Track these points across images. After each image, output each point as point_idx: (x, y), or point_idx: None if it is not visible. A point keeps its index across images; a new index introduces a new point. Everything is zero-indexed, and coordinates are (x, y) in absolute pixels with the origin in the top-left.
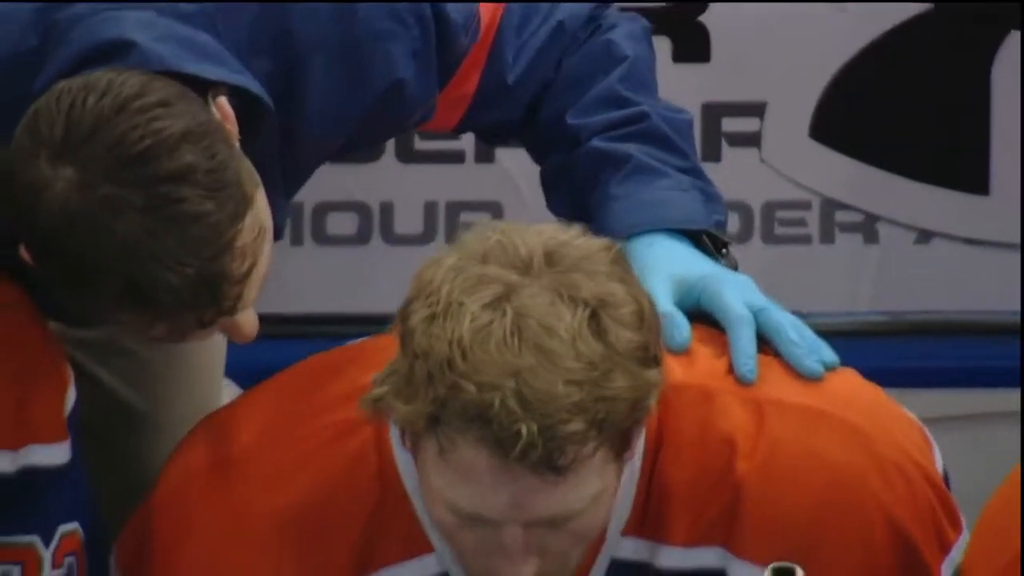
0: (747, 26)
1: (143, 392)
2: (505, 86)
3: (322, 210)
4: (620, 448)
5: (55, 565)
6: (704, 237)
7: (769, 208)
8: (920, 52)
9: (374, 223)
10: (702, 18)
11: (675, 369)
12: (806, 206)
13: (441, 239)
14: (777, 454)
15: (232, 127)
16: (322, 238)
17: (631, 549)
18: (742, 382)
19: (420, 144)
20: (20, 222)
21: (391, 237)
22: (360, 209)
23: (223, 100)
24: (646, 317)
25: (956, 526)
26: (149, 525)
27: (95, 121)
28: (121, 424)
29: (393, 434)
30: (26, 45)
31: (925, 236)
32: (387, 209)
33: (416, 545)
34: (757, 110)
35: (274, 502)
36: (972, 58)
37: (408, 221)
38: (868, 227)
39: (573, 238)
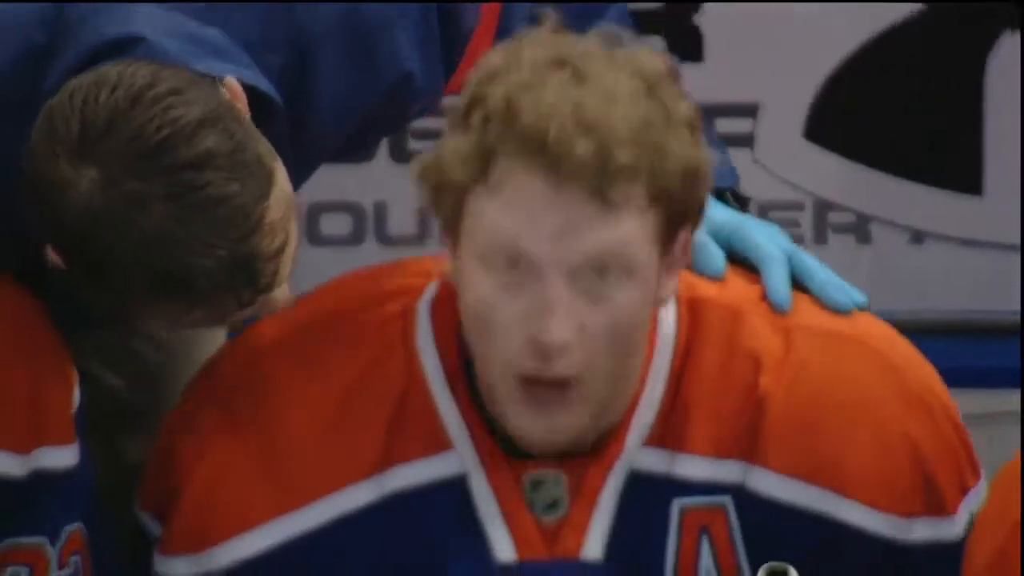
0: (740, 26)
1: (145, 393)
2: None
3: (316, 211)
4: (666, 234)
5: (61, 565)
6: (728, 195)
7: (762, 209)
8: (914, 53)
9: (368, 224)
10: (695, 18)
11: (708, 288)
12: (799, 207)
13: (435, 240)
14: (803, 373)
15: (243, 106)
16: (316, 239)
17: (650, 460)
18: (776, 311)
19: (414, 144)
20: (46, 223)
21: (385, 238)
22: (354, 210)
23: (231, 80)
24: (695, 109)
25: (976, 471)
26: (171, 439)
27: (110, 116)
28: (122, 424)
29: (419, 328)
30: (35, 43)
31: (918, 237)
32: (381, 210)
33: (435, 443)
34: (750, 111)
35: (306, 395)
36: (966, 59)
37: (402, 222)
38: (861, 228)
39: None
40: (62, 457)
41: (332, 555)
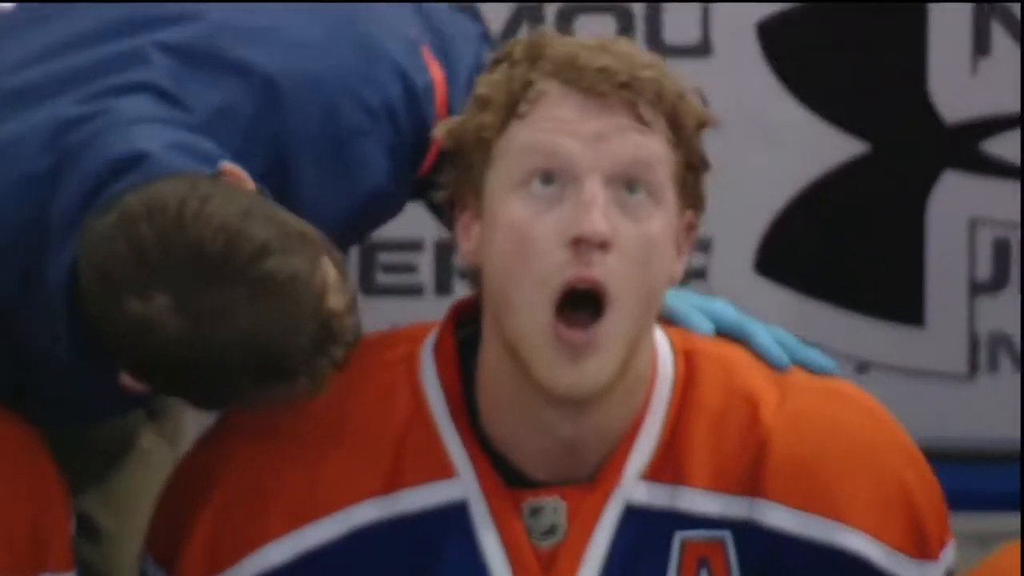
0: None
1: (113, 515)
2: None
3: None
4: (684, 189)
5: None
6: None
7: None
8: (858, 191)
9: None
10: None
11: (702, 341)
12: None
13: None
14: (802, 417)
15: (251, 184)
16: None
17: (648, 494)
18: (775, 366)
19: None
20: (131, 359)
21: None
22: None
23: (227, 164)
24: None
25: (947, 532)
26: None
27: (161, 242)
28: (87, 540)
29: (422, 367)
30: (39, 166)
31: (863, 367)
32: None
33: (439, 470)
34: (704, 245)
35: (317, 423)
36: (908, 196)
37: None
38: None
39: None
40: None
41: (342, 568)
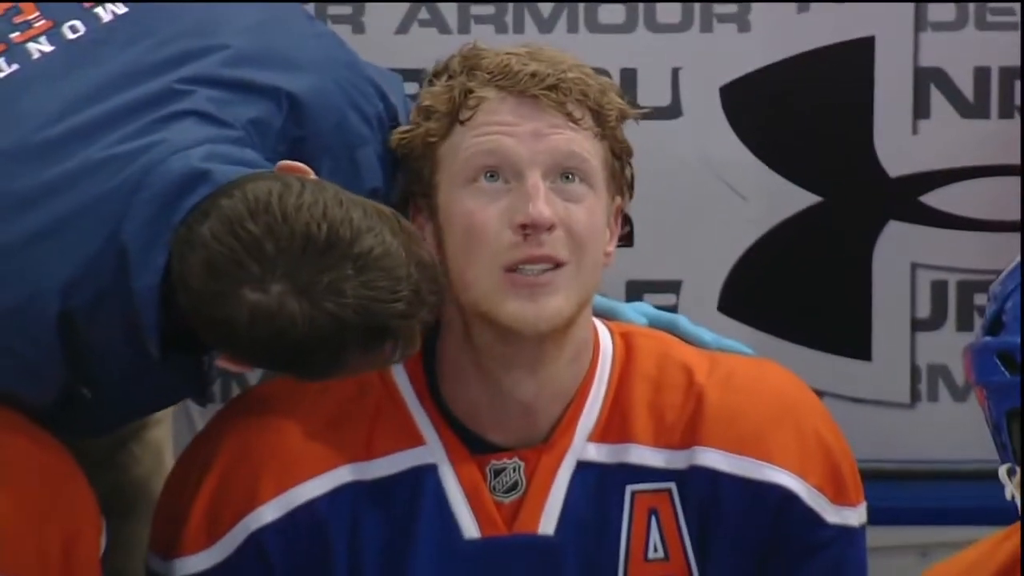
0: (664, 217)
1: (111, 515)
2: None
3: None
4: (612, 176)
5: None
6: None
7: None
8: (812, 238)
9: None
10: (628, 211)
11: (635, 327)
12: None
13: None
14: (731, 378)
15: (311, 174)
16: None
17: (597, 453)
18: (701, 345)
19: None
20: (249, 345)
21: None
22: None
23: (284, 162)
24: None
25: (862, 492)
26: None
27: (271, 235)
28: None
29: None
30: (104, 201)
31: (817, 395)
32: None
33: (409, 439)
34: (673, 287)
35: (304, 404)
36: (856, 243)
37: None
38: None
39: None
40: None
41: (325, 521)
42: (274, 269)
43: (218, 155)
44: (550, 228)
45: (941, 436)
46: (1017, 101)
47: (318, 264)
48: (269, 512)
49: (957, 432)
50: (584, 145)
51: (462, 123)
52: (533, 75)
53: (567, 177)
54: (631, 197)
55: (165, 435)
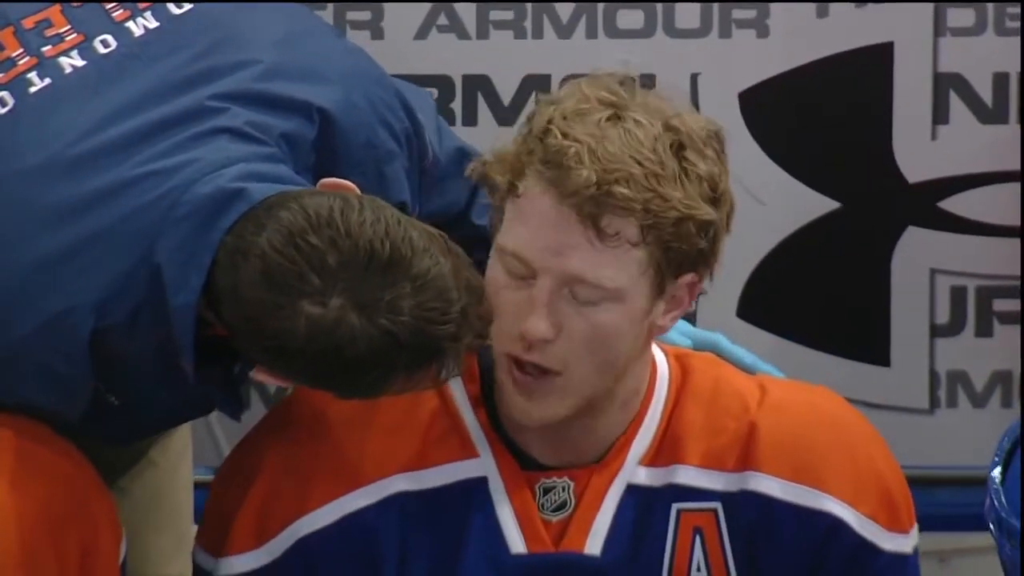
0: None
1: (128, 521)
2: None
3: None
4: (660, 277)
5: None
6: None
7: None
8: (831, 244)
9: None
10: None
11: (684, 349)
12: None
13: None
14: (784, 405)
15: (356, 190)
16: None
17: (647, 477)
18: (743, 366)
19: None
20: (300, 359)
21: None
22: None
23: (328, 180)
24: (724, 172)
25: (914, 516)
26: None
27: (337, 251)
28: None
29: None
30: (138, 218)
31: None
32: None
33: (463, 451)
34: None
35: (357, 410)
36: (875, 249)
37: None
38: None
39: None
40: None
41: (376, 530)
42: (335, 283)
43: (252, 174)
44: (545, 341)
45: (960, 442)
46: None
47: (379, 281)
48: (318, 519)
49: (976, 438)
50: (602, 268)
51: (515, 195)
52: (576, 181)
53: (583, 288)
54: (715, 264)
55: (185, 442)
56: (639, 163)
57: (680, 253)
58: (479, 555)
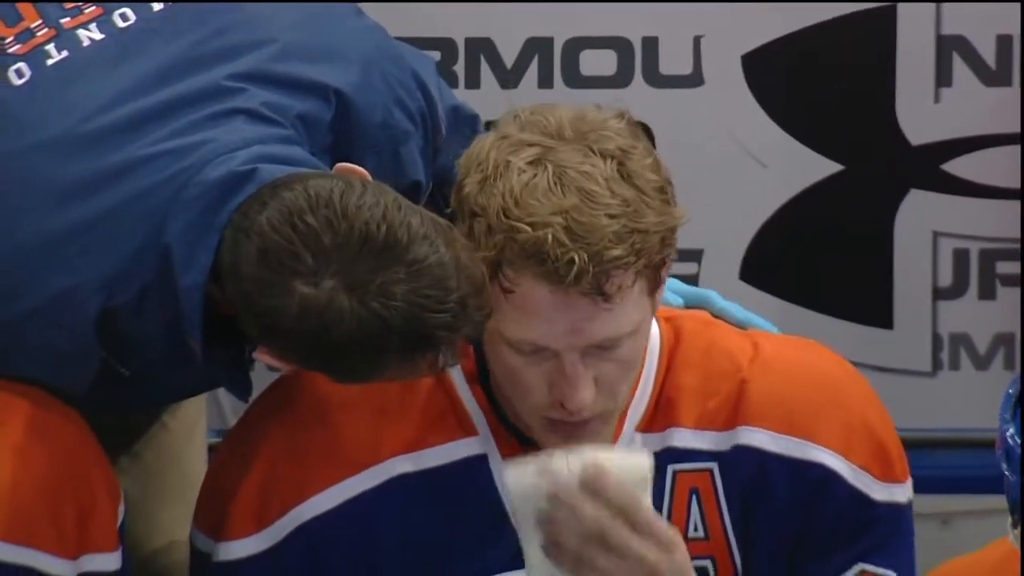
0: (688, 183)
1: (139, 486)
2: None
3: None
4: (653, 283)
5: None
6: None
7: None
8: (833, 206)
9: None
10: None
11: (677, 310)
12: None
13: None
14: (775, 361)
15: (367, 176)
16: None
17: (643, 442)
18: (735, 321)
19: None
20: (294, 338)
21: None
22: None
23: (341, 164)
24: (662, 165)
25: (907, 468)
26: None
27: (333, 232)
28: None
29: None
30: (149, 197)
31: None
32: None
33: (462, 429)
34: (695, 256)
35: (353, 392)
36: (877, 211)
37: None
38: None
39: (589, 111)
40: (106, 563)
41: (379, 512)
42: (328, 264)
43: (265, 155)
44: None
45: (962, 404)
46: None
47: (372, 264)
48: (320, 504)
49: (978, 400)
50: (617, 321)
51: (504, 290)
52: (571, 265)
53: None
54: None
55: (199, 408)
56: (611, 216)
57: (662, 257)
58: (480, 530)
